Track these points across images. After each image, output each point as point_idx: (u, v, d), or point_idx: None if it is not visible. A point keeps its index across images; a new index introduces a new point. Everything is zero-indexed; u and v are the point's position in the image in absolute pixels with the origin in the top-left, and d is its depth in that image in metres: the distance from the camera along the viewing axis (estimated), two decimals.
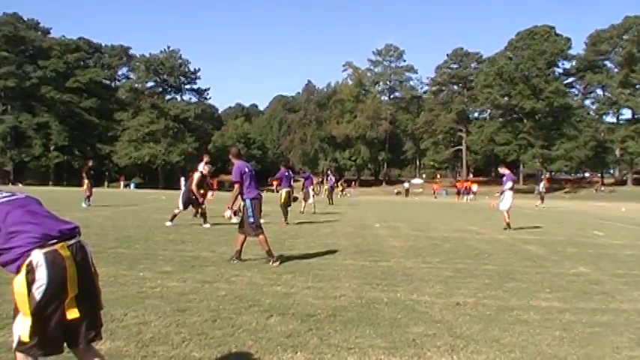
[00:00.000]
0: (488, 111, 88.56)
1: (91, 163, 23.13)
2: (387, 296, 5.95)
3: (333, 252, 9.43)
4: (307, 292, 6.01)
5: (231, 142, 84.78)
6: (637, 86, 76.43)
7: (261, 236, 8.02)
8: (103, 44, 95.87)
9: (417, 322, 4.92)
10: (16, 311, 2.43)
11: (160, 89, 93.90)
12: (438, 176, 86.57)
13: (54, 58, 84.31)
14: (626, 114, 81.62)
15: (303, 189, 21.59)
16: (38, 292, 2.36)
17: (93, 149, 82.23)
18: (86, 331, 2.57)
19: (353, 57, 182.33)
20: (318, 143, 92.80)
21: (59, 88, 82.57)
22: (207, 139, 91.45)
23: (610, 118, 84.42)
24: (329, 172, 49.92)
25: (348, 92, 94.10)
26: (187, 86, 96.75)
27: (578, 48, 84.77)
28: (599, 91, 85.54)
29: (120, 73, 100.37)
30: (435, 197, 58.94)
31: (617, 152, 79.19)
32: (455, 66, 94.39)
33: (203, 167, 14.22)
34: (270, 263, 7.79)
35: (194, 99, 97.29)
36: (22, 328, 2.38)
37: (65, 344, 2.55)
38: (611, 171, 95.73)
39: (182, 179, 25.58)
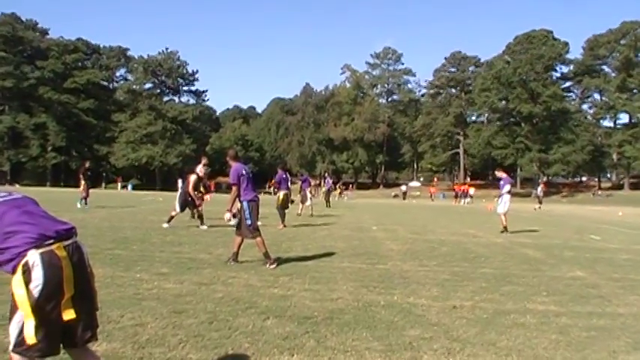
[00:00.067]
0: (486, 114, 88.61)
1: (87, 164, 23.08)
2: (383, 299, 5.95)
3: (330, 254, 9.43)
4: (304, 295, 6.01)
5: (229, 144, 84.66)
6: (634, 91, 76.64)
7: (258, 238, 8.01)
8: (101, 45, 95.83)
9: (413, 325, 4.92)
10: (12, 312, 2.42)
11: (158, 91, 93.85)
12: (436, 179, 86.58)
13: (52, 59, 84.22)
14: (624, 118, 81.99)
15: (300, 191, 21.61)
16: (35, 293, 2.36)
17: (90, 150, 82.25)
18: (82, 332, 2.56)
19: (351, 60, 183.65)
20: (315, 146, 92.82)
21: (57, 89, 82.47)
22: (204, 141, 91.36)
23: (607, 123, 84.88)
24: (326, 174, 49.99)
25: (346, 95, 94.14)
26: (185, 88, 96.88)
27: (575, 52, 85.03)
28: (597, 96, 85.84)
29: (118, 74, 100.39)
30: (432, 200, 59.02)
31: (615, 156, 79.40)
32: (453, 69, 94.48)
33: (200, 169, 14.22)
34: (267, 265, 7.78)
35: (192, 101, 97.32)
36: (25, 329, 2.36)
37: (61, 345, 2.54)
38: (608, 175, 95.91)
39: (179, 181, 25.58)
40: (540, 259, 10.01)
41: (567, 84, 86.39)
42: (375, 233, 14.23)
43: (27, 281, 2.35)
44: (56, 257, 2.41)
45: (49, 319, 2.40)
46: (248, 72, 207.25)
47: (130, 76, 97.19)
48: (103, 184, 77.65)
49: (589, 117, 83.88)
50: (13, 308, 2.40)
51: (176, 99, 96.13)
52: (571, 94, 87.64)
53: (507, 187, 15.81)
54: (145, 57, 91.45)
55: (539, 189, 43.45)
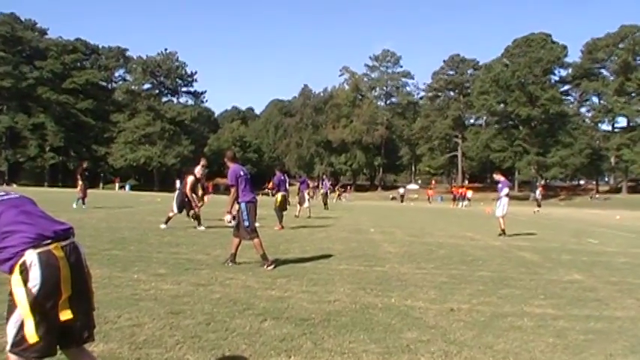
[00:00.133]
0: (484, 117, 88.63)
1: (85, 165, 23.07)
2: (381, 301, 5.94)
3: (328, 256, 9.43)
4: (301, 297, 6.01)
5: (227, 145, 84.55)
6: (632, 94, 76.74)
7: (255, 240, 8.01)
8: (100, 45, 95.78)
9: (411, 327, 4.92)
10: (9, 312, 2.41)
11: (157, 91, 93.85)
12: (433, 182, 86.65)
13: (51, 59, 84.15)
14: (622, 122, 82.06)
15: (298, 193, 21.61)
16: (32, 293, 2.35)
17: (88, 150, 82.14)
18: (79, 332, 2.56)
19: (350, 62, 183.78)
20: (314, 147, 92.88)
21: (55, 89, 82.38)
22: (203, 142, 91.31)
23: (605, 126, 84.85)
24: (324, 176, 49.99)
25: (344, 97, 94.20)
26: (184, 89, 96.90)
27: (574, 56, 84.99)
28: (595, 99, 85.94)
29: (117, 74, 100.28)
30: (430, 203, 59.04)
31: (612, 160, 79.45)
32: (451, 72, 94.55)
33: (198, 171, 14.21)
34: (265, 267, 7.78)
35: (190, 102, 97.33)
36: (25, 329, 2.35)
37: (58, 346, 2.53)
38: (606, 179, 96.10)
39: (177, 181, 25.57)
40: (538, 262, 10.02)
41: (566, 87, 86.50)
42: (372, 235, 14.23)
43: (24, 281, 2.35)
44: (54, 257, 2.41)
45: (47, 319, 2.39)
46: (247, 73, 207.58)
47: (128, 77, 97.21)
48: (101, 185, 77.50)
49: (587, 120, 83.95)
50: (11, 308, 2.40)
51: (175, 100, 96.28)
52: (569, 97, 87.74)
53: (506, 190, 15.83)
54: (144, 57, 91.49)
55: (538, 192, 43.45)
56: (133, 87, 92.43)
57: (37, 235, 2.42)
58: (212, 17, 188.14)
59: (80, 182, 20.43)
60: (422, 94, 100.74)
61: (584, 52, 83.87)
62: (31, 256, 2.36)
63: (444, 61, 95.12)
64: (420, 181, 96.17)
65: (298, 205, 20.78)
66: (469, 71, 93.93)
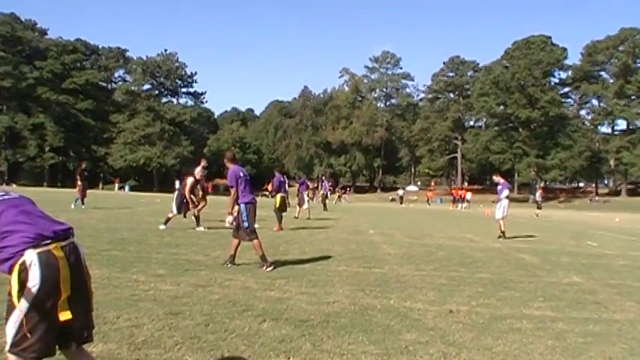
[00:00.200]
0: (484, 119, 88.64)
1: (84, 165, 23.07)
2: (380, 303, 5.94)
3: (327, 258, 9.43)
4: (301, 298, 6.01)
5: (227, 146, 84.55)
6: (632, 97, 76.77)
7: (255, 241, 8.01)
8: (100, 46, 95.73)
9: (410, 329, 4.92)
10: (9, 312, 2.41)
11: (157, 92, 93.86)
12: (433, 184, 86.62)
13: (51, 59, 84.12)
14: (621, 125, 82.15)
15: (298, 194, 21.61)
16: (32, 293, 2.35)
17: (88, 151, 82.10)
18: (78, 333, 2.55)
19: (350, 63, 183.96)
20: (313, 149, 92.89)
21: (55, 89, 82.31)
22: (202, 142, 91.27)
23: (605, 129, 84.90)
24: (323, 178, 49.98)
25: (344, 98, 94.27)
26: (184, 90, 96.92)
27: (574, 58, 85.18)
28: (595, 102, 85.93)
29: (116, 75, 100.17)
30: (429, 204, 59.04)
31: (612, 163, 79.44)
32: (451, 74, 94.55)
33: (197, 172, 14.21)
34: (264, 268, 7.78)
35: (190, 102, 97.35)
36: (24, 329, 2.36)
37: (57, 346, 2.53)
38: (606, 181, 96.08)
39: (177, 182, 25.58)
40: (537, 264, 10.02)
41: (565, 90, 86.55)
42: (372, 237, 14.23)
43: (24, 281, 2.35)
44: (53, 257, 2.41)
45: (46, 319, 2.39)
46: (247, 74, 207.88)
47: (128, 77, 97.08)
48: (101, 185, 77.53)
49: (587, 123, 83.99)
50: (10, 308, 2.40)
51: (174, 100, 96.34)
52: (569, 99, 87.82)
53: (505, 192, 15.83)
54: (144, 58, 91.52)
55: (538, 194, 43.42)
56: (132, 87, 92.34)
57: (36, 235, 2.42)
58: (212, 18, 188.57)
59: (79, 183, 20.42)
60: (422, 95, 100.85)
61: (584, 55, 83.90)
62: (30, 256, 2.36)
63: (444, 62, 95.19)
64: (419, 183, 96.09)
65: (297, 207, 20.79)
66: (469, 73, 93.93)
